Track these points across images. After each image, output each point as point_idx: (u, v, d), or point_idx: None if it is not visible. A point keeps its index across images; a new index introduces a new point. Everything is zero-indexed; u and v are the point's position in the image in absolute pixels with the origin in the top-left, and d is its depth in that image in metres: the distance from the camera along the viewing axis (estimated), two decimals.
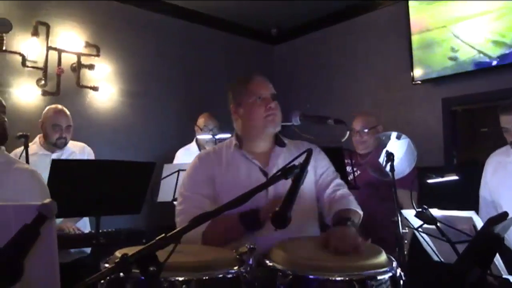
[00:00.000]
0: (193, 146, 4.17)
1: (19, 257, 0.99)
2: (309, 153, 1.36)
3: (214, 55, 5.38)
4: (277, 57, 6.03)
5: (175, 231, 1.03)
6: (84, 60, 4.43)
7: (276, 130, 1.92)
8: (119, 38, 4.66)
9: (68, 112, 3.41)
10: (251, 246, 1.30)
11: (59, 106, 3.44)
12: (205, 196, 1.79)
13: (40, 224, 1.01)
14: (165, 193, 3.48)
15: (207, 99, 4.84)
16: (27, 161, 2.93)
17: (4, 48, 3.95)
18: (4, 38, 3.93)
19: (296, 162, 1.30)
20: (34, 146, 3.31)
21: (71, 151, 3.42)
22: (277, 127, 1.91)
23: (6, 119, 2.13)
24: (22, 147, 3.10)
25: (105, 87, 4.57)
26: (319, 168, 1.97)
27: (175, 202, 3.35)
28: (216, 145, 2.07)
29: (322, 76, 5.44)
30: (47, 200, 1.05)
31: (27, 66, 4.09)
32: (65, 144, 3.37)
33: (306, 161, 1.31)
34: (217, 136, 3.98)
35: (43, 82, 4.15)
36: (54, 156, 3.30)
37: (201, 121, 4.17)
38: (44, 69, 4.17)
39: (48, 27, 4.21)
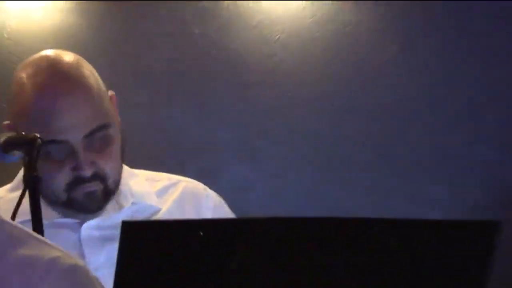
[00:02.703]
0: None
1: None
2: None
3: None
4: None
5: None
6: None
7: None
8: None
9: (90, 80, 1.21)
10: None
11: (57, 64, 1.21)
12: None
13: None
14: None
15: None
16: (42, 234, 1.05)
17: None
18: None
19: None
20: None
21: (151, 212, 1.33)
22: None
23: None
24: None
25: None
26: None
27: None
28: None
29: None
30: None
31: None
32: (101, 207, 1.24)
33: None
34: None
35: None
36: (94, 223, 1.28)
37: None
38: None
39: None
